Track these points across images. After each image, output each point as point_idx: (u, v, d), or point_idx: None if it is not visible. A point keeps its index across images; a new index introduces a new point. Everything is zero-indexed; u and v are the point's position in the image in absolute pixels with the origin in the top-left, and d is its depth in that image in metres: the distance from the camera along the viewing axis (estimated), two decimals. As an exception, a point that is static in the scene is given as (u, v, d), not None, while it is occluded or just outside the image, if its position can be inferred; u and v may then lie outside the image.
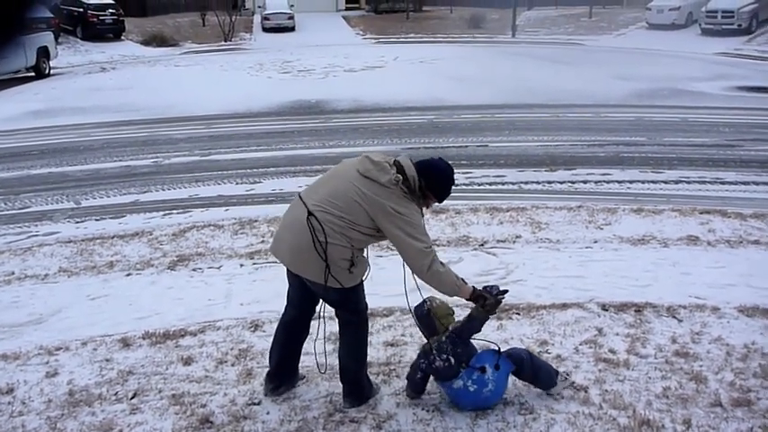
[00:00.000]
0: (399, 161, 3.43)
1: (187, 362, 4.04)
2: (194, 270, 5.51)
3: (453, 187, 3.58)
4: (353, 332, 3.54)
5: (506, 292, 3.53)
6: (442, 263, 3.35)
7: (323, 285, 3.32)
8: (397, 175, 3.34)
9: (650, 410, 3.42)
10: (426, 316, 3.56)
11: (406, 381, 3.65)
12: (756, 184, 7.90)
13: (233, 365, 3.99)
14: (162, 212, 7.23)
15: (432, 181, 3.47)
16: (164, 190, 8.14)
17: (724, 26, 23.87)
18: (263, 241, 6.05)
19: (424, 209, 3.51)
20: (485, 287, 3.51)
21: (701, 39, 23.96)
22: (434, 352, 3.45)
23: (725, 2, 24.11)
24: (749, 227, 6.21)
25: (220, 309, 4.78)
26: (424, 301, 3.60)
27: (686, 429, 3.28)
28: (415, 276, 3.40)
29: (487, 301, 3.40)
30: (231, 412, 3.51)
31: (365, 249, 3.48)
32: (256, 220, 6.64)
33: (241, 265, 5.57)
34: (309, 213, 3.30)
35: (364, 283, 3.51)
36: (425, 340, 3.60)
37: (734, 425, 3.30)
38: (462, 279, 3.43)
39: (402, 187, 3.32)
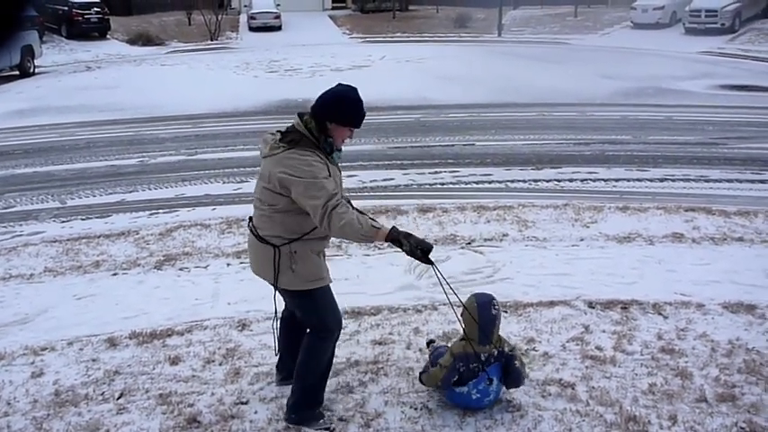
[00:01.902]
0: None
1: (174, 361, 4.02)
2: (181, 269, 5.49)
3: (357, 104, 3.21)
4: (312, 341, 3.37)
5: (431, 247, 3.18)
6: (344, 212, 3.05)
7: (275, 287, 3.30)
8: (274, 133, 3.21)
9: (636, 407, 3.45)
10: (492, 321, 3.36)
11: (424, 376, 3.55)
12: (740, 181, 7.98)
13: (220, 365, 3.98)
14: (148, 212, 7.19)
15: (321, 110, 3.18)
16: (150, 189, 8.10)
17: (707, 25, 24.09)
18: (250, 240, 6.04)
19: (342, 141, 3.24)
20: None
21: (684, 38, 24.17)
22: (482, 360, 3.32)
23: (708, 1, 24.35)
24: (733, 224, 6.27)
25: (207, 308, 4.77)
26: (494, 303, 3.41)
27: (672, 425, 3.31)
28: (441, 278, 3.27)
29: (403, 247, 3.13)
30: (219, 412, 3.50)
31: (314, 248, 3.24)
32: (243, 220, 6.60)
33: (228, 265, 5.55)
34: (250, 218, 3.37)
35: (333, 292, 3.35)
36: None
37: (719, 420, 3.34)
38: (373, 219, 3.23)
39: (284, 144, 3.13)
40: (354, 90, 3.24)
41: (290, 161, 3.10)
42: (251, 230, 3.33)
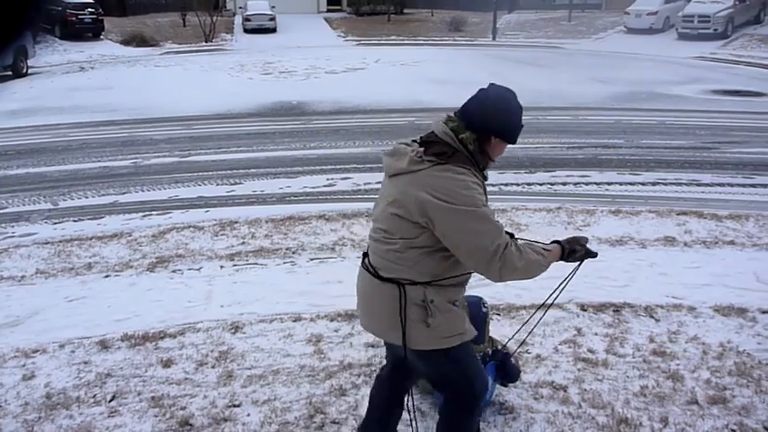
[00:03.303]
0: (432, 127, 2.54)
1: (167, 364, 4.01)
2: (174, 272, 5.47)
3: (521, 116, 2.58)
4: (455, 416, 2.71)
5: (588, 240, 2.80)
6: (519, 247, 2.46)
7: (403, 349, 2.55)
8: (418, 149, 2.45)
9: (628, 409, 3.46)
10: (483, 320, 3.35)
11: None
12: (731, 185, 8.02)
13: (213, 367, 3.97)
14: (141, 214, 7.17)
15: (486, 121, 2.47)
16: (143, 191, 8.08)
17: (700, 31, 24.24)
18: (243, 243, 6.03)
19: (490, 162, 2.57)
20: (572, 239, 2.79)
21: (677, 43, 24.31)
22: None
23: (701, 7, 24.51)
24: (724, 228, 6.30)
25: (200, 311, 4.76)
26: (483, 302, 3.42)
27: (663, 427, 3.32)
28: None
29: (577, 255, 2.73)
30: (211, 414, 3.50)
31: (451, 297, 2.55)
32: (237, 222, 6.61)
33: (221, 267, 5.54)
34: (365, 254, 2.67)
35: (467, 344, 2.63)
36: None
37: (710, 422, 3.35)
38: (541, 245, 2.61)
39: (431, 158, 2.40)
40: (516, 96, 2.59)
41: (440, 181, 2.37)
42: (367, 270, 2.60)
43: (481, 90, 2.58)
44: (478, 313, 3.37)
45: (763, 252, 5.74)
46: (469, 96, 2.58)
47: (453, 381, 2.67)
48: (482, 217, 2.39)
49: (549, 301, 3.07)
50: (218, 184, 8.29)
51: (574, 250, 2.70)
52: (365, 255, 2.67)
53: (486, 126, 2.48)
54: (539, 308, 3.24)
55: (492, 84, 2.63)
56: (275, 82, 17.04)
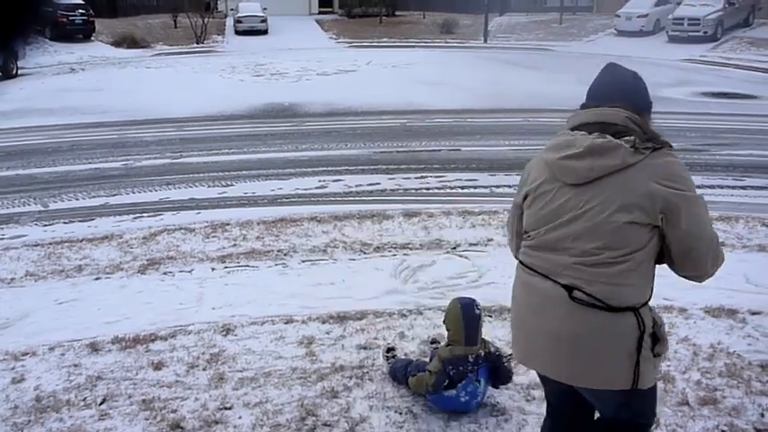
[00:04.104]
0: (588, 118, 2.24)
1: (157, 366, 3.99)
2: (165, 274, 5.45)
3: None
4: None
5: None
6: None
7: (620, 393, 2.12)
8: (628, 137, 2.12)
9: (619, 410, 3.47)
10: (476, 321, 3.37)
11: (411, 380, 3.51)
12: (722, 187, 8.07)
13: (204, 370, 3.96)
14: (132, 216, 7.14)
15: (646, 99, 2.34)
16: (134, 193, 8.05)
17: (690, 33, 24.41)
18: (234, 244, 6.01)
19: None
20: None
21: (667, 45, 24.46)
22: (470, 360, 3.34)
23: (691, 10, 24.68)
24: (715, 229, 6.32)
25: (192, 313, 4.74)
26: (476, 303, 3.44)
27: (655, 428, 3.32)
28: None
29: None
30: (202, 417, 3.48)
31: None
32: (228, 224, 6.59)
33: (213, 269, 5.52)
34: (569, 289, 2.11)
35: None
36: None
37: (700, 423, 3.37)
38: None
39: (647, 145, 2.10)
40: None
41: (669, 168, 2.08)
42: (582, 304, 2.08)
43: (612, 73, 2.38)
44: (472, 315, 3.38)
45: (753, 254, 5.78)
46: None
47: (646, 414, 2.33)
48: (705, 204, 2.14)
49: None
50: (209, 186, 8.26)
51: None
52: (570, 289, 2.11)
53: (648, 103, 2.35)
54: None
55: (610, 64, 2.47)
56: (266, 84, 17.03)
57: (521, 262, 2.33)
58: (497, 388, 3.56)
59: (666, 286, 4.97)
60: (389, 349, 4.05)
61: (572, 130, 2.27)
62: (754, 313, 4.58)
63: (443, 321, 3.50)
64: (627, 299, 2.10)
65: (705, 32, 24.18)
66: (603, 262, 2.08)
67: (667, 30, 25.28)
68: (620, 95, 2.25)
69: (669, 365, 3.89)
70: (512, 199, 2.52)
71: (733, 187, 8.09)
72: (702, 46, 23.55)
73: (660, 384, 3.69)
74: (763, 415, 3.41)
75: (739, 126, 11.87)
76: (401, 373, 3.64)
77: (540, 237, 2.21)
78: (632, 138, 2.11)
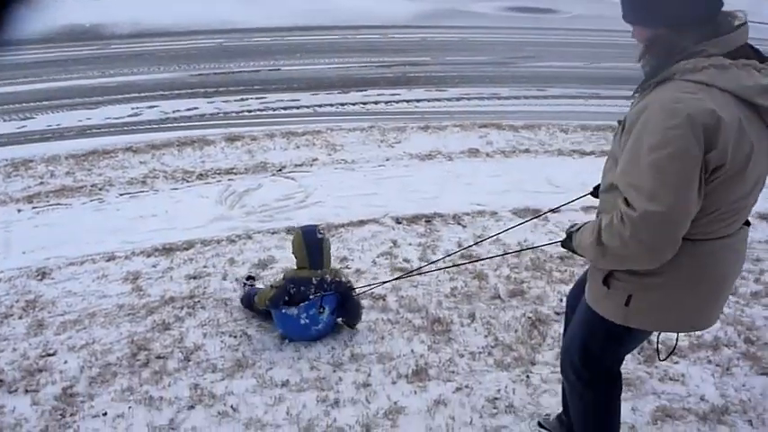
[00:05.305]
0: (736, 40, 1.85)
1: (-36, 320, 3.68)
2: (-38, 220, 4.95)
3: None
4: None
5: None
6: None
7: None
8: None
9: (440, 309, 3.77)
10: (319, 244, 3.45)
11: (255, 297, 3.56)
12: (527, 98, 8.69)
13: (20, 318, 3.71)
14: None
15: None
16: None
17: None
18: (41, 183, 5.56)
19: None
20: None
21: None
22: (313, 282, 3.40)
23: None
24: (521, 137, 6.86)
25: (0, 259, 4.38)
26: (319, 228, 3.53)
27: (471, 322, 3.66)
28: None
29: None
30: (23, 367, 3.29)
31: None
32: (32, 161, 6.06)
33: (19, 211, 5.09)
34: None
35: None
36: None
37: (510, 313, 3.75)
38: None
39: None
40: None
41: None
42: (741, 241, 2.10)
43: None
44: (314, 239, 3.47)
45: (554, 157, 6.36)
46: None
47: None
48: None
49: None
50: (5, 120, 7.47)
51: None
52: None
53: None
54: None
55: None
56: (61, 2, 15.37)
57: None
58: (348, 325, 3.58)
59: (480, 193, 5.40)
60: (249, 277, 4.05)
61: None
62: (553, 211, 5.07)
63: (292, 252, 3.54)
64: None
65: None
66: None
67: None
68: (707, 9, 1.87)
69: (483, 264, 4.25)
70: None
71: (536, 97, 8.75)
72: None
73: (475, 282, 4.05)
74: (561, 300, 3.86)
75: (542, 39, 12.71)
76: (251, 297, 3.66)
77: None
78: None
